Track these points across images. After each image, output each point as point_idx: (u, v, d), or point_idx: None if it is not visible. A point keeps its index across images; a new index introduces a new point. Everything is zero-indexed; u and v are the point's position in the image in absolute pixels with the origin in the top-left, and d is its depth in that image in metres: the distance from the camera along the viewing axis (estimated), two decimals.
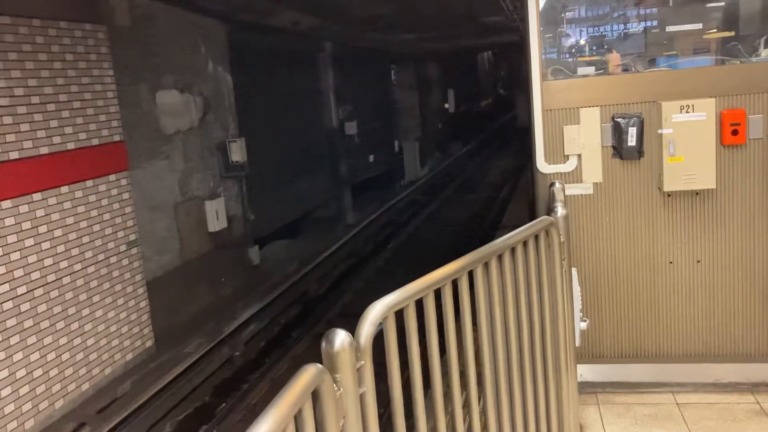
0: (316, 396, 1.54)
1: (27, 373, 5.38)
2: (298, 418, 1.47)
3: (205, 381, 6.73)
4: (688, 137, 3.74)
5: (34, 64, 5.58)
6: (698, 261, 3.94)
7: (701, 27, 4.04)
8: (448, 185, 17.60)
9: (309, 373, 1.52)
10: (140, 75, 7.13)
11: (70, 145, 5.92)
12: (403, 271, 9.52)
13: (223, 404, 6.48)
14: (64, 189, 5.83)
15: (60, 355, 5.71)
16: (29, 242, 5.45)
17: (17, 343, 5.30)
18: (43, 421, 5.49)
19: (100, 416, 5.72)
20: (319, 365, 1.57)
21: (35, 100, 5.57)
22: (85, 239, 6.05)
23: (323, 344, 1.65)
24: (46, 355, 5.57)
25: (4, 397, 5.16)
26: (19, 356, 5.31)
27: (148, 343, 6.87)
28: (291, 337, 8.07)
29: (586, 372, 4.08)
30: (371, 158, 14.87)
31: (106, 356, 6.24)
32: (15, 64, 5.40)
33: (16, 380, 5.28)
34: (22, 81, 5.46)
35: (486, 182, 18.20)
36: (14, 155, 5.34)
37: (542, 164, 3.99)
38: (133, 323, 6.65)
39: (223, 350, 7.21)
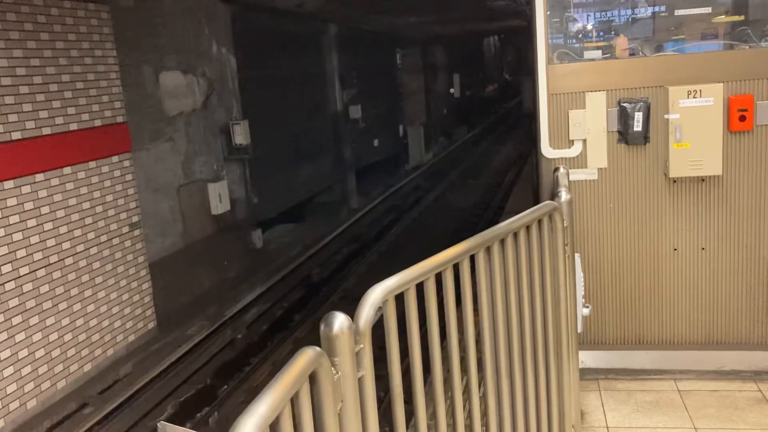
0: (313, 379, 1.53)
1: (29, 354, 5.39)
2: (294, 401, 1.45)
3: (207, 363, 6.75)
4: (695, 123, 3.70)
5: (36, 43, 5.55)
6: (703, 248, 3.91)
7: (710, 11, 3.98)
8: (453, 170, 17.55)
9: (306, 356, 1.51)
10: (143, 56, 7.08)
11: (73, 126, 5.90)
12: (406, 255, 9.50)
13: (225, 386, 6.51)
14: (67, 170, 5.82)
15: (62, 336, 5.72)
16: (31, 223, 5.44)
17: (19, 323, 5.31)
18: (46, 401, 5.51)
19: (102, 397, 5.74)
20: (317, 348, 1.55)
21: (37, 80, 5.54)
22: (88, 220, 6.04)
23: (322, 327, 1.63)
24: (48, 335, 5.58)
25: (7, 376, 5.18)
26: (21, 336, 5.32)
27: (151, 325, 6.88)
28: (293, 320, 8.08)
29: (588, 358, 4.07)
30: (376, 142, 14.81)
31: (108, 337, 6.26)
32: (17, 44, 5.36)
33: (18, 360, 5.29)
34: (24, 61, 5.43)
35: (491, 168, 18.14)
36: (17, 135, 5.32)
37: (547, 149, 3.95)
38: (136, 305, 6.66)
39: (225, 333, 7.22)
